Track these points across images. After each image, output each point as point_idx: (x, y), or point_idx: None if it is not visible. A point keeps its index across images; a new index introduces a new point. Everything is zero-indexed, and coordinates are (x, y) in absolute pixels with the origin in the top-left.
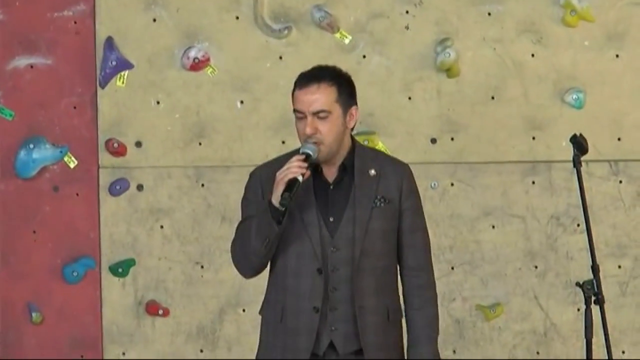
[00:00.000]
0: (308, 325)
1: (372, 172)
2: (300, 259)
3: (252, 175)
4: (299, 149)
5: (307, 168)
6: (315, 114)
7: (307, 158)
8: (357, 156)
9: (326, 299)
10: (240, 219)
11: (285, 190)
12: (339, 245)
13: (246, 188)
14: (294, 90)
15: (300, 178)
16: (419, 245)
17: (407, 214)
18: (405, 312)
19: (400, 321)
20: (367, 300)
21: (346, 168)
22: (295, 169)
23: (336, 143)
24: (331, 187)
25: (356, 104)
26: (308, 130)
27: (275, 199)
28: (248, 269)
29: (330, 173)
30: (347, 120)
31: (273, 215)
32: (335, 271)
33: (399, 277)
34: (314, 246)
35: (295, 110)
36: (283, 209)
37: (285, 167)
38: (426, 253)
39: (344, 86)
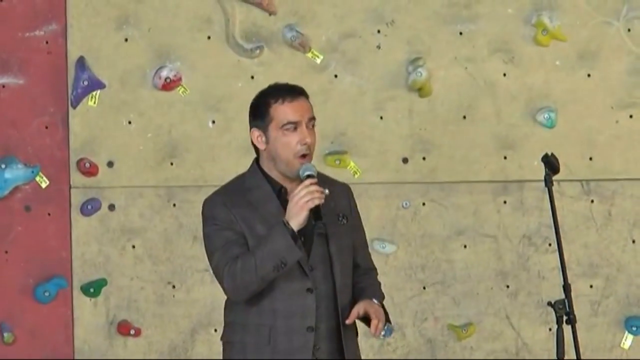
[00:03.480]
0: (303, 345)
1: (327, 191)
2: (288, 280)
3: (212, 202)
4: (245, 174)
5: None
6: (310, 120)
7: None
8: None
9: (316, 318)
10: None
11: (315, 218)
12: (315, 264)
13: (211, 216)
14: (275, 105)
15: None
16: (368, 259)
17: (357, 231)
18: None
19: None
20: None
21: None
22: (318, 194)
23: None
24: None
25: None
26: (309, 139)
27: (297, 224)
28: (248, 294)
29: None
30: None
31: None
32: (315, 290)
33: None
34: (302, 266)
35: (288, 123)
36: (320, 232)
37: (304, 192)
38: (372, 264)
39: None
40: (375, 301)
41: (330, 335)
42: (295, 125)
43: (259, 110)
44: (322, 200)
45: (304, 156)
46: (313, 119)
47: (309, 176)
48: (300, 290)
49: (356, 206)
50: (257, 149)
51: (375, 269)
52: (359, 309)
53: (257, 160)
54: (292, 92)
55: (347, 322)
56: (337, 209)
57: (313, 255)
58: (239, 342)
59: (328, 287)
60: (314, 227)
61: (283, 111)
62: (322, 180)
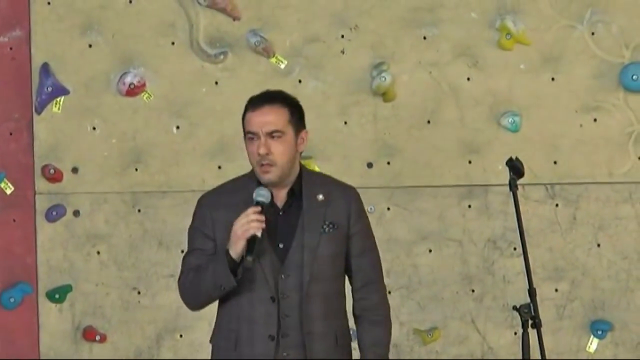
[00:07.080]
0: (264, 353)
1: (320, 197)
2: (253, 287)
3: (200, 203)
4: (246, 175)
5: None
6: (269, 134)
7: (262, 208)
8: (304, 181)
9: (279, 326)
10: (186, 246)
11: (247, 249)
12: (289, 272)
13: (194, 216)
14: (245, 113)
15: (259, 234)
16: (369, 267)
17: (356, 238)
18: (356, 332)
19: (350, 344)
20: (316, 326)
21: (295, 193)
22: (255, 224)
23: (288, 165)
24: (280, 212)
25: (305, 127)
26: (262, 150)
27: (235, 253)
28: (198, 307)
29: (280, 198)
30: (298, 144)
31: (231, 268)
32: (285, 298)
33: (346, 299)
34: (265, 275)
35: (247, 133)
36: (249, 267)
37: (243, 220)
38: (377, 272)
39: (295, 109)
40: None
41: (300, 344)
42: (253, 136)
43: (243, 118)
44: (259, 231)
45: (262, 165)
46: (276, 131)
47: (258, 202)
48: (264, 298)
49: (362, 212)
50: None
51: (377, 282)
52: None
53: None
54: (257, 100)
55: None
56: (327, 217)
57: (288, 262)
58: (215, 345)
59: (299, 296)
60: (243, 260)
61: (247, 120)
62: (322, 182)
